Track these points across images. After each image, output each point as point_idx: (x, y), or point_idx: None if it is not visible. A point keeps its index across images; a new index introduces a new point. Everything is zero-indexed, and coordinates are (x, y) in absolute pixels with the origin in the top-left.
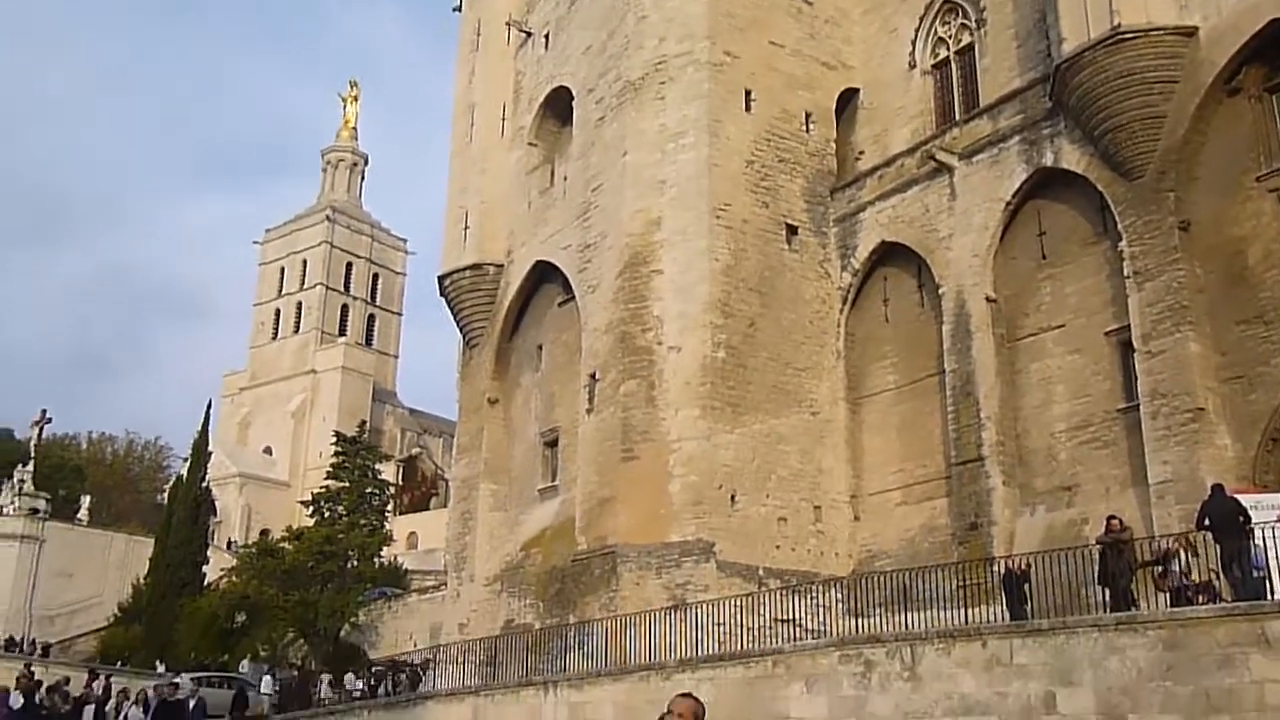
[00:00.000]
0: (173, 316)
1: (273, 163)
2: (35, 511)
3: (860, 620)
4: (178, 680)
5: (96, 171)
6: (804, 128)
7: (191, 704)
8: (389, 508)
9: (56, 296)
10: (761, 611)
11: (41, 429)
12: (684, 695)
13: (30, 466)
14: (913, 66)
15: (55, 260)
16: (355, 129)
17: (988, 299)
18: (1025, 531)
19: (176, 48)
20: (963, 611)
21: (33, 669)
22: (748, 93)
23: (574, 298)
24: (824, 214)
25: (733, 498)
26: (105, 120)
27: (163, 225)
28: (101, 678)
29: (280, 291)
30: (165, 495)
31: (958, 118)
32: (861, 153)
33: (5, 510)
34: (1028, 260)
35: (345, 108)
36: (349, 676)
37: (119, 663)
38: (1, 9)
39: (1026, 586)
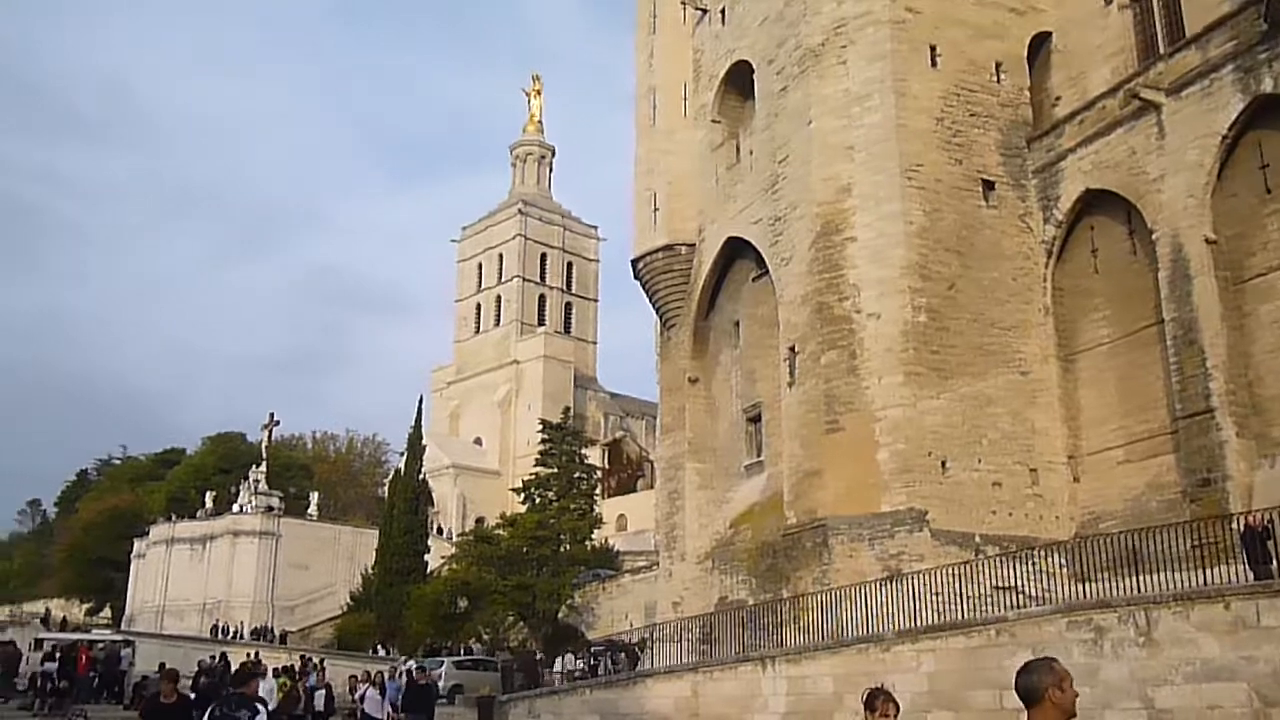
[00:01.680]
0: (380, 316)
1: (463, 160)
2: (270, 509)
3: (1086, 585)
4: (424, 664)
5: (300, 183)
6: (994, 78)
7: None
8: (597, 491)
9: (270, 305)
10: (980, 579)
11: (271, 431)
12: (882, 692)
13: (263, 467)
14: (1109, 2)
15: (266, 270)
16: (540, 122)
17: (1207, 240)
18: (1265, 484)
19: (361, 57)
20: (1200, 573)
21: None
22: (932, 48)
23: (768, 272)
24: (1021, 166)
25: (943, 464)
26: (304, 133)
27: (363, 228)
28: (315, 662)
29: (479, 286)
30: (385, 488)
31: (1161, 51)
32: (1058, 99)
33: (245, 509)
34: (1250, 196)
35: (529, 102)
36: (568, 657)
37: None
38: (202, 40)
39: (1270, 544)
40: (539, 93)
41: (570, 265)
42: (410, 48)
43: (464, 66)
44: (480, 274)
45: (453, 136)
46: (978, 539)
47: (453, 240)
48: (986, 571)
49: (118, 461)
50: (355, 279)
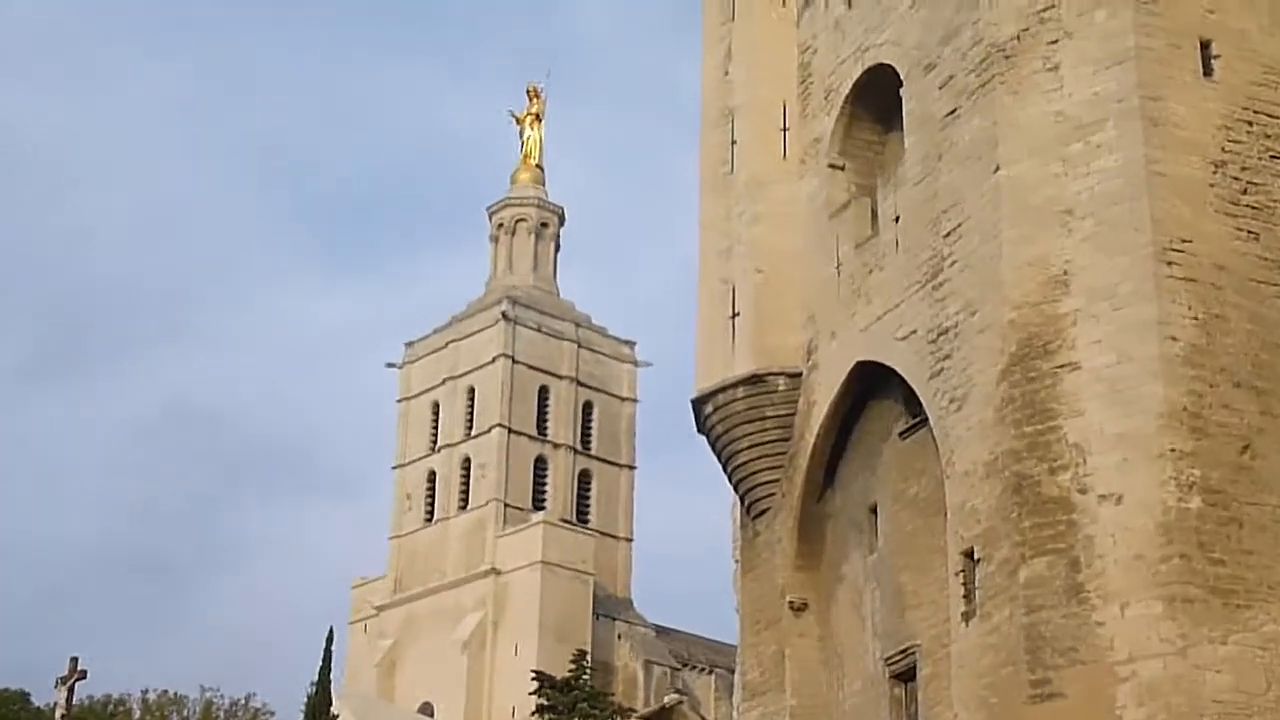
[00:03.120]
0: (274, 486)
1: (410, 228)
2: None
3: None
4: None
5: (153, 265)
6: None
7: None
8: None
9: (93, 465)
10: None
11: (72, 689)
12: None
13: None
14: None
15: (92, 406)
16: (539, 167)
17: None
18: None
19: (254, 57)
20: None
21: None
22: (1204, 45)
23: (925, 420)
24: None
25: None
26: (164, 182)
27: (256, 339)
28: None
29: (434, 442)
30: None
31: None
32: None
33: None
34: None
35: (522, 133)
36: None
37: None
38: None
39: None
40: (538, 118)
41: (588, 407)
42: (344, 50)
43: (426, 78)
44: (437, 420)
45: (409, 191)
46: None
47: (391, 365)
48: None
49: None
50: (238, 424)
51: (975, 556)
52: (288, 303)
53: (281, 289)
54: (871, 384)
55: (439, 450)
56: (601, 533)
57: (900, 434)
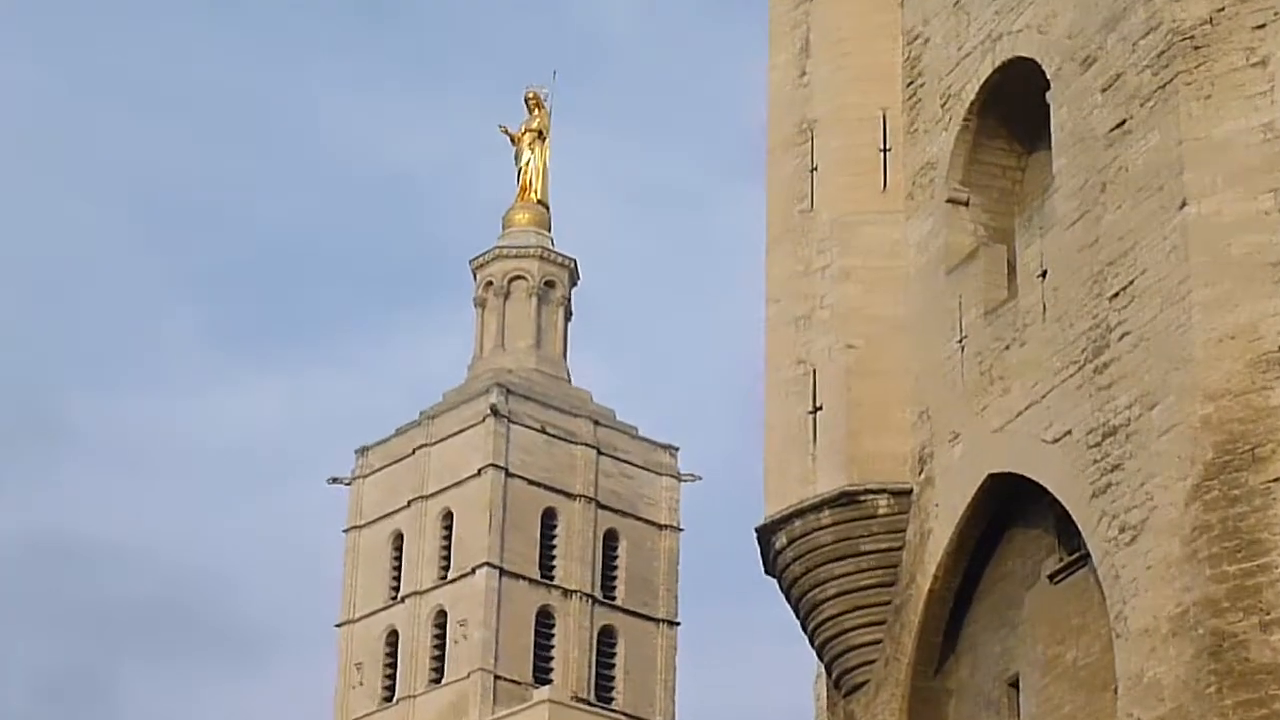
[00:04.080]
0: (166, 651)
1: (362, 291)
2: None
3: None
4: None
5: (20, 364)
6: None
7: None
8: None
9: None
10: None
11: None
12: None
13: None
14: None
15: None
16: (543, 204)
17: None
18: None
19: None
20: None
21: None
22: None
23: (1085, 558)
24: None
25: None
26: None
27: (140, 448)
28: None
29: (396, 588)
30: None
31: None
32: None
33: None
34: None
35: (519, 156)
36: None
37: None
38: None
39: None
40: (540, 137)
41: (612, 539)
42: (267, 48)
43: (393, 86)
44: (400, 558)
45: (360, 239)
46: None
47: (336, 480)
48: None
49: None
50: (118, 566)
51: None
52: (187, 400)
53: (178, 381)
54: (1010, 506)
55: (402, 600)
56: (630, 716)
57: (1051, 576)
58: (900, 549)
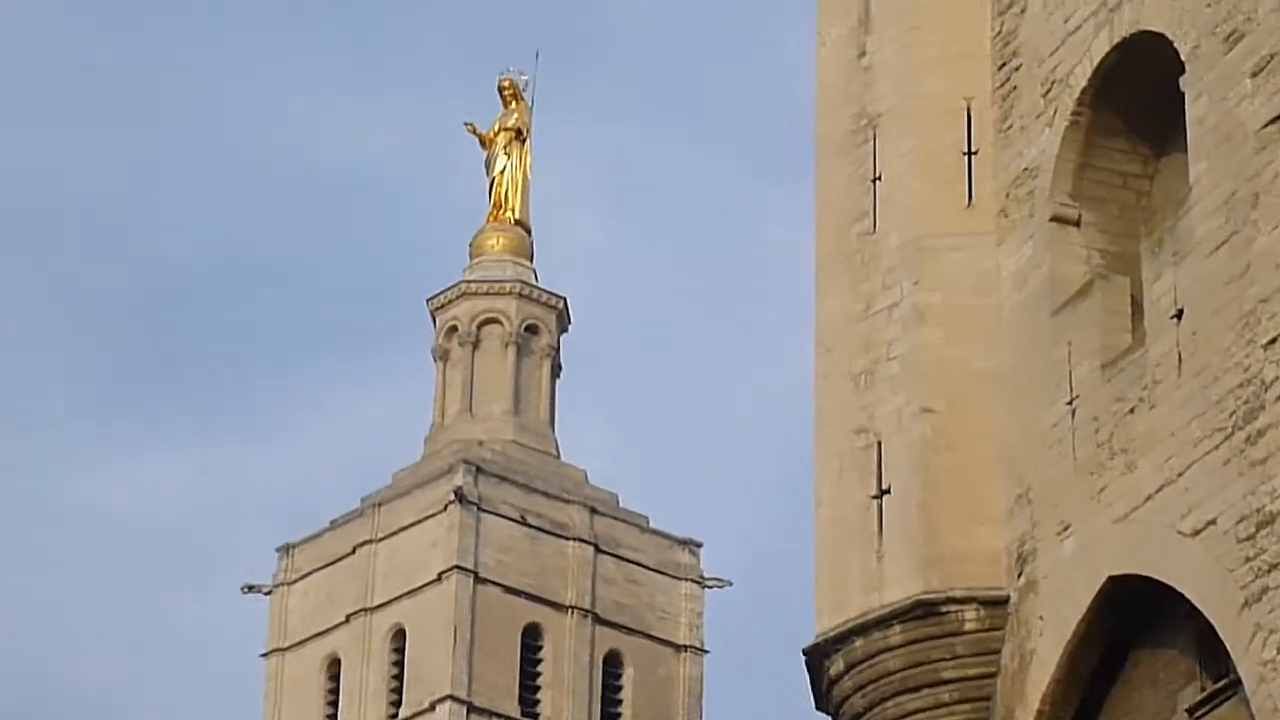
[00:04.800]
0: None
1: (283, 338)
2: None
3: None
4: None
5: None
6: None
7: None
8: None
9: None
10: None
11: None
12: None
13: None
14: None
15: None
16: (522, 225)
17: None
18: None
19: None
20: None
21: None
22: None
23: (1233, 684)
24: None
25: None
26: None
27: None
28: None
29: None
30: None
31: None
32: None
33: None
34: None
35: (491, 163)
36: None
37: None
38: None
39: None
40: (519, 137)
41: (614, 663)
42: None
43: (323, 72)
44: (336, 690)
45: (278, 268)
46: None
47: (252, 589)
48: None
49: None
50: None
51: None
52: (55, 484)
53: (44, 460)
54: (1137, 619)
55: None
56: None
57: (1191, 710)
58: (993, 676)
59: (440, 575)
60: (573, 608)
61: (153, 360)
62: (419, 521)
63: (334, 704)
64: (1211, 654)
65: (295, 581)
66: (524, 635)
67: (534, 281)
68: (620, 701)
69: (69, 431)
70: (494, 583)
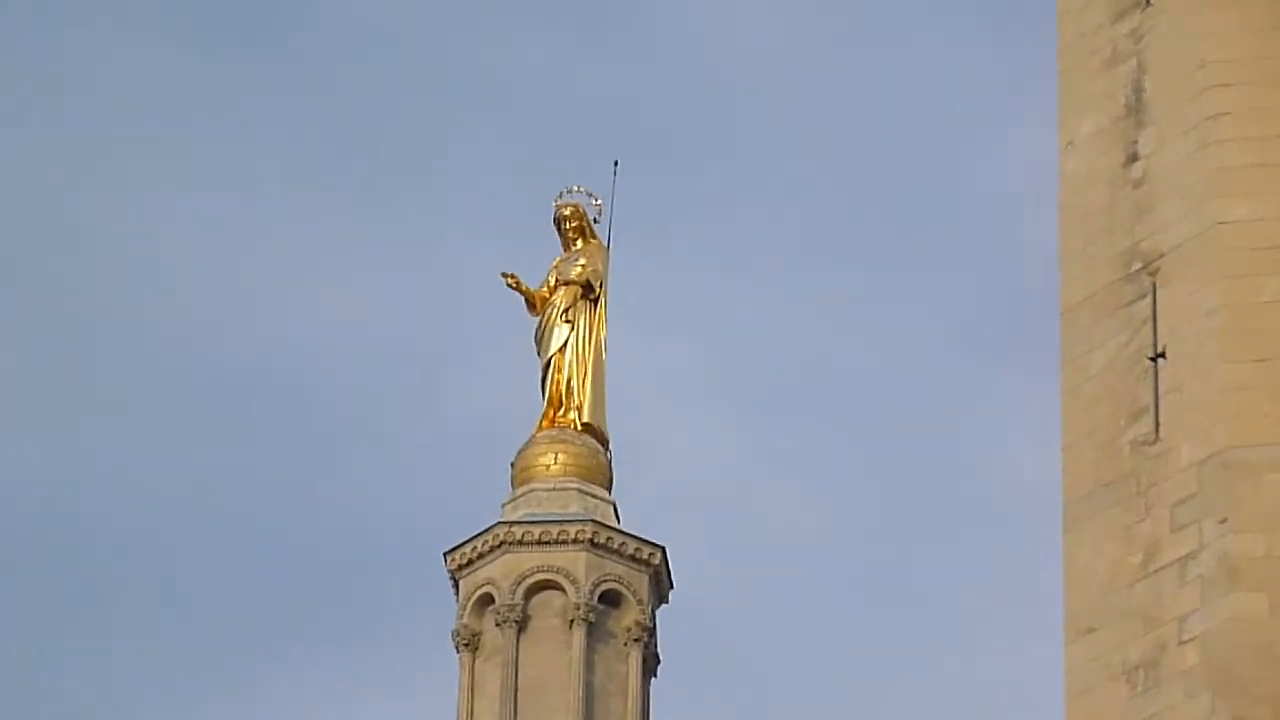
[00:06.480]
0: None
1: (249, 614)
2: None
3: None
4: None
5: None
6: None
7: None
8: None
9: None
10: None
11: None
12: None
13: None
14: None
15: None
16: (593, 426)
17: None
18: None
19: None
20: None
21: None
22: None
23: None
24: None
25: None
26: None
27: None
28: None
29: None
30: None
31: None
32: None
33: None
34: None
35: (544, 333)
36: None
37: None
38: None
39: None
40: (588, 296)
41: None
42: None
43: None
44: None
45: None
46: None
47: None
48: None
49: None
50: None
51: None
52: None
53: None
54: None
55: None
56: None
57: None
58: None
59: None
60: None
61: (58, 648)
62: None
63: None
64: None
65: None
66: None
67: (614, 523)
68: None
69: None
70: None
